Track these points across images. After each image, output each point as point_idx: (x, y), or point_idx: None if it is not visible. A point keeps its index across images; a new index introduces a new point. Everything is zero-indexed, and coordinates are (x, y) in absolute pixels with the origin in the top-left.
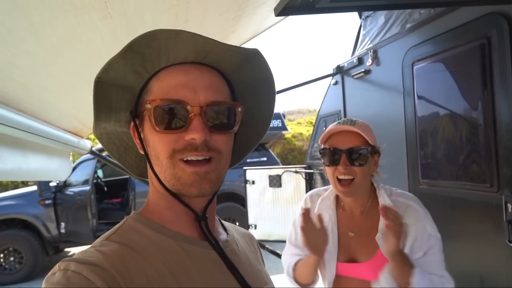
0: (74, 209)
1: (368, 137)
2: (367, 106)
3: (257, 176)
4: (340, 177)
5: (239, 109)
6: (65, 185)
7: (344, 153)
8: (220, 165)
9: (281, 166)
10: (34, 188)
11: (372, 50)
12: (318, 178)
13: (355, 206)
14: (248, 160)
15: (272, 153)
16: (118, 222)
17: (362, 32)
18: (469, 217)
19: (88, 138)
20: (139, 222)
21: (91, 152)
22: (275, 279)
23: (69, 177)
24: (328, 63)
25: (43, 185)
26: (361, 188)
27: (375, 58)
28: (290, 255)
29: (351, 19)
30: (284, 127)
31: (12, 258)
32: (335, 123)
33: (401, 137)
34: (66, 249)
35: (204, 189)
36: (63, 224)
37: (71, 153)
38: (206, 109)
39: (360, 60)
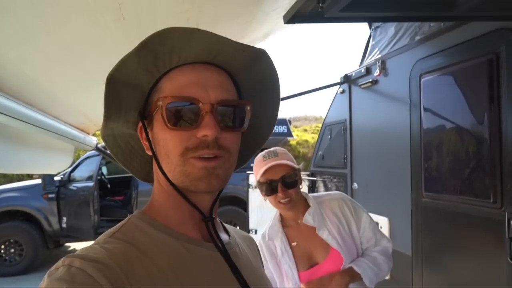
0: (77, 204)
1: (292, 163)
2: (373, 116)
3: None
4: (281, 201)
5: (248, 108)
6: (69, 180)
7: (279, 182)
8: (228, 164)
9: None
10: (39, 181)
11: (380, 61)
12: (321, 185)
13: (296, 217)
14: (252, 165)
15: None
16: (120, 219)
17: (371, 42)
18: (471, 232)
19: (94, 135)
20: (143, 221)
21: (97, 148)
22: None
23: (72, 172)
24: (336, 72)
25: (47, 178)
26: (297, 202)
27: (383, 68)
28: None
29: (361, 28)
30: (289, 133)
31: (12, 250)
32: (261, 157)
33: (405, 149)
34: (67, 244)
35: (212, 184)
36: (65, 219)
37: (74, 149)
38: (217, 107)
39: (368, 70)
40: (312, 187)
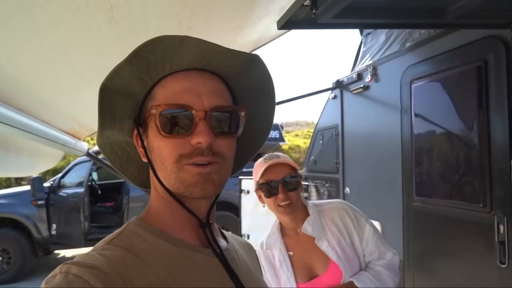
0: (67, 211)
1: (294, 165)
2: (364, 121)
3: (252, 186)
4: (281, 203)
5: (242, 114)
6: (59, 186)
7: (280, 183)
8: (223, 170)
9: None
10: (27, 187)
11: (371, 67)
12: (313, 190)
13: (295, 225)
14: (244, 170)
15: None
16: (111, 225)
17: (362, 49)
18: (461, 236)
19: (85, 140)
20: (141, 227)
21: (88, 154)
22: None
23: (62, 178)
24: (327, 77)
25: (36, 185)
26: (297, 208)
27: (374, 74)
28: None
29: (352, 34)
30: (281, 138)
31: (0, 258)
32: (261, 159)
33: (396, 154)
34: (56, 251)
35: (207, 190)
36: (54, 226)
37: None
38: (211, 113)
39: (360, 76)
40: (305, 192)
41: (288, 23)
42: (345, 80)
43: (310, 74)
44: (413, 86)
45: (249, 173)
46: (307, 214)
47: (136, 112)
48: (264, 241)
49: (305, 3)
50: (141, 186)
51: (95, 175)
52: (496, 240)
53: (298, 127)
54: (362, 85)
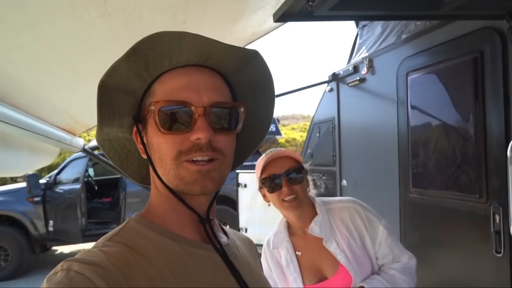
0: (64, 207)
1: (298, 158)
2: (361, 114)
3: (249, 180)
4: (285, 198)
5: (242, 110)
6: (55, 182)
7: (284, 176)
8: (223, 166)
9: None
10: (23, 184)
11: (367, 59)
12: (310, 183)
13: (303, 225)
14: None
15: None
16: (108, 221)
17: (358, 41)
18: (458, 226)
19: (81, 136)
20: (142, 224)
21: (84, 150)
22: None
23: (58, 174)
24: (323, 70)
25: (32, 182)
26: (304, 203)
27: (371, 67)
28: None
29: (348, 27)
30: (278, 132)
31: None
32: (263, 155)
33: (393, 146)
34: (54, 248)
35: (206, 187)
36: (51, 222)
37: (58, 151)
38: (210, 109)
39: (356, 68)
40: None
41: (284, 15)
42: (341, 72)
43: (306, 67)
44: (409, 78)
45: (246, 167)
46: (315, 213)
47: (135, 109)
48: (270, 239)
49: None
50: (141, 183)
51: (91, 171)
52: (492, 230)
53: (294, 120)
54: (358, 78)
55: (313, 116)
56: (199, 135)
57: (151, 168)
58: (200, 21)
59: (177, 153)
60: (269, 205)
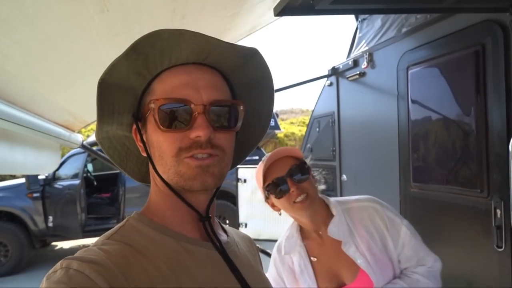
0: (63, 203)
1: (297, 154)
2: (361, 108)
3: (249, 175)
4: (296, 200)
5: (241, 108)
6: (54, 178)
7: (288, 177)
8: (223, 163)
9: None
10: (22, 180)
11: (367, 53)
12: None
13: (317, 226)
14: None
15: (264, 152)
16: (107, 217)
17: (358, 35)
18: (458, 221)
19: (79, 132)
20: (141, 222)
21: (82, 146)
22: None
23: (57, 170)
24: (323, 64)
25: (31, 178)
26: (316, 202)
27: (371, 61)
28: None
29: (348, 21)
30: (276, 127)
31: None
32: (260, 163)
33: (393, 140)
34: (53, 243)
35: (206, 182)
36: (51, 218)
37: (60, 147)
38: (210, 107)
39: (356, 63)
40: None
41: (285, 9)
42: (341, 67)
43: (305, 61)
44: (409, 72)
45: (246, 161)
46: (329, 213)
47: (135, 107)
48: (281, 244)
49: None
50: (141, 181)
51: (90, 167)
52: (493, 224)
53: (293, 114)
54: (358, 72)
55: (313, 111)
56: (199, 132)
57: (151, 166)
58: (199, 16)
59: (177, 150)
60: (280, 214)
